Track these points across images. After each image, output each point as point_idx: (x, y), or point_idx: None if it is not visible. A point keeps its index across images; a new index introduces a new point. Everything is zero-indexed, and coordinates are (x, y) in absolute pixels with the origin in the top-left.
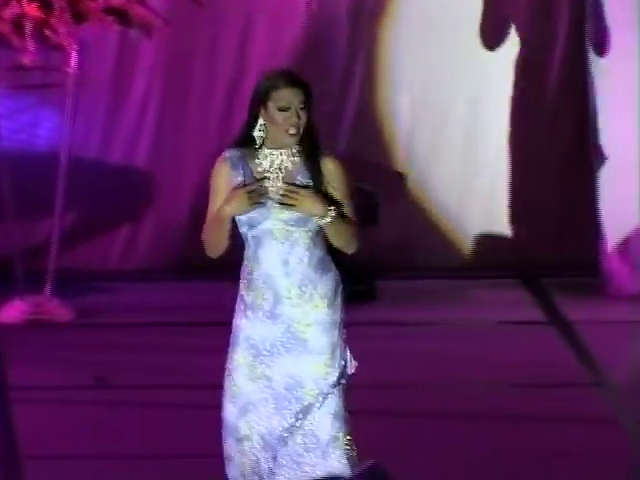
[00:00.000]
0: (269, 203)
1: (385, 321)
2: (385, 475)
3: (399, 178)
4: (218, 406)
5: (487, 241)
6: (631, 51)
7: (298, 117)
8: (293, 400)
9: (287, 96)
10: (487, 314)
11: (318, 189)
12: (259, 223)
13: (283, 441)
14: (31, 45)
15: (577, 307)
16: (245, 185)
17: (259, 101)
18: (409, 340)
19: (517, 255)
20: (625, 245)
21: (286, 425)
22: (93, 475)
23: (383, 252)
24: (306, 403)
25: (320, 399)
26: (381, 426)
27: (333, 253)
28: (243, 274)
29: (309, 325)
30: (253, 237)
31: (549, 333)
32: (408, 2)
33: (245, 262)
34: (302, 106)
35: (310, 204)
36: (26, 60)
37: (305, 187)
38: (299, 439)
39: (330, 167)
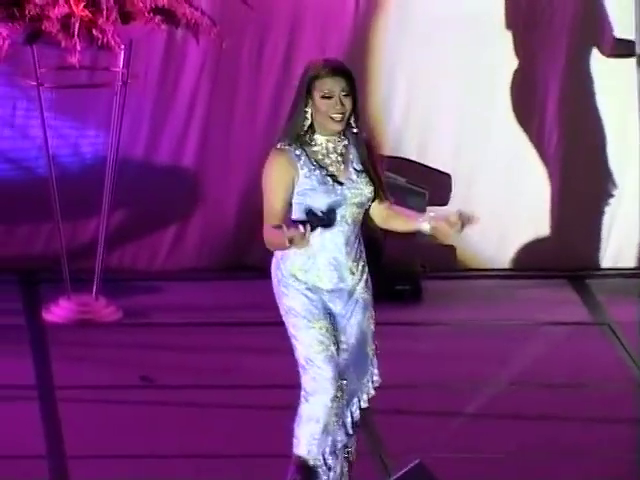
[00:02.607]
0: (339, 190)
1: (430, 321)
2: (431, 474)
3: (446, 178)
4: (266, 406)
5: (533, 240)
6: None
7: (342, 104)
8: (362, 357)
9: (329, 84)
10: (533, 314)
11: (368, 172)
12: (337, 210)
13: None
14: (78, 45)
15: (623, 307)
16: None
17: (304, 91)
18: (454, 340)
19: (563, 255)
20: None
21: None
22: (138, 475)
23: (428, 252)
24: (369, 357)
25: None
26: (425, 426)
27: (375, 255)
28: (297, 261)
29: (365, 290)
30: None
31: (595, 333)
32: None
33: (298, 251)
34: (345, 93)
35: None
36: (73, 60)
37: (359, 172)
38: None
39: (370, 146)
